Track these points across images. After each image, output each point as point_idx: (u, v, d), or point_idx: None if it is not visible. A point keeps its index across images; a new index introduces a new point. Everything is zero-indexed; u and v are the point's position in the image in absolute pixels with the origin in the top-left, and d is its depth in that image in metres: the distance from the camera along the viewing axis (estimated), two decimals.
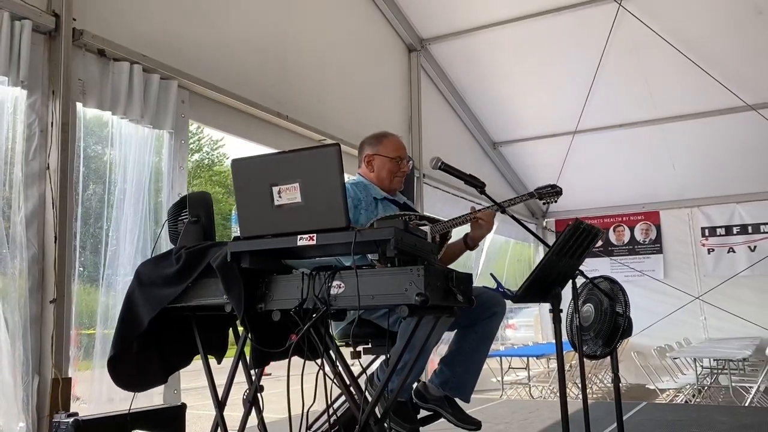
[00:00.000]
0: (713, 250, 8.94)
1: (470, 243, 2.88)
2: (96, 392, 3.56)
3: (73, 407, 3.30)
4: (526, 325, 12.41)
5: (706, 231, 8.99)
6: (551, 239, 9.57)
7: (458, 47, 6.82)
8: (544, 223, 9.73)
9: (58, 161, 3.34)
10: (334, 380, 2.11)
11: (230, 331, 2.56)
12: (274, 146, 4.88)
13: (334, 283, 1.99)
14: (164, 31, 4.01)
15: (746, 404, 6.35)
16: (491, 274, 2.44)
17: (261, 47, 4.74)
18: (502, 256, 9.70)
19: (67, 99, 3.39)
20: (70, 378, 3.32)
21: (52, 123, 3.37)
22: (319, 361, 2.11)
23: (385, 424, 2.21)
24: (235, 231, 2.17)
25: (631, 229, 9.43)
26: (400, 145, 3.01)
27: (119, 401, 3.25)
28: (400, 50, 6.64)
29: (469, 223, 2.84)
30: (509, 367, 7.86)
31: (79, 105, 3.53)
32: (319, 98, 5.30)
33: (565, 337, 3.00)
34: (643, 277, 9.17)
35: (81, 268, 3.52)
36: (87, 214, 3.62)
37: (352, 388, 2.14)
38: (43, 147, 3.35)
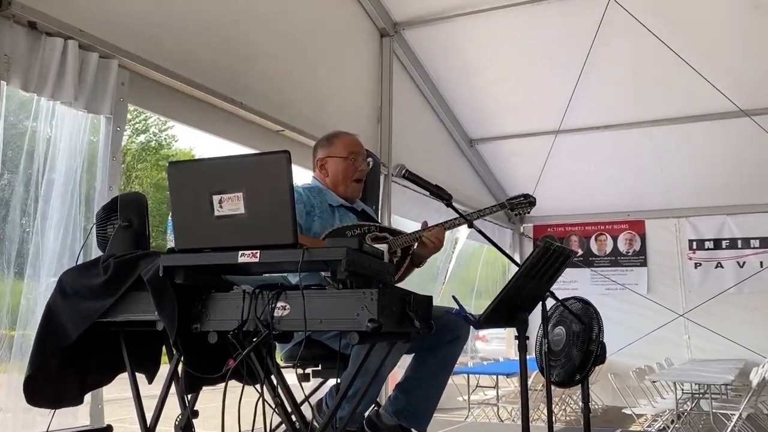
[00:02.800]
0: (700, 264, 9.13)
1: (415, 261, 2.92)
2: (13, 400, 3.49)
3: None
4: (498, 338, 12.56)
5: (694, 244, 9.18)
6: (528, 247, 9.68)
7: (435, 34, 6.82)
8: (522, 229, 9.82)
9: None
10: (276, 409, 2.11)
11: (164, 347, 2.54)
12: (226, 136, 4.84)
13: (279, 304, 1.99)
14: (104, 5, 3.93)
15: None
16: (453, 297, 2.46)
17: (213, 25, 4.67)
18: (474, 262, 9.78)
19: None
20: None
21: None
22: (259, 387, 2.10)
23: None
24: (170, 241, 2.15)
25: (614, 239, 9.58)
26: (353, 142, 3.01)
27: (38, 412, 3.20)
28: (370, 34, 6.61)
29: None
30: (477, 386, 7.93)
31: (3, 84, 3.43)
32: (278, 84, 5.25)
33: (533, 354, 3.05)
34: (625, 291, 9.32)
35: None
36: (5, 205, 3.53)
37: (294, 418, 2.14)
38: None
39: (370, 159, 3.11)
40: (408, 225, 6.73)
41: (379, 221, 3.94)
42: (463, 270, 9.44)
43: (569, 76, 6.93)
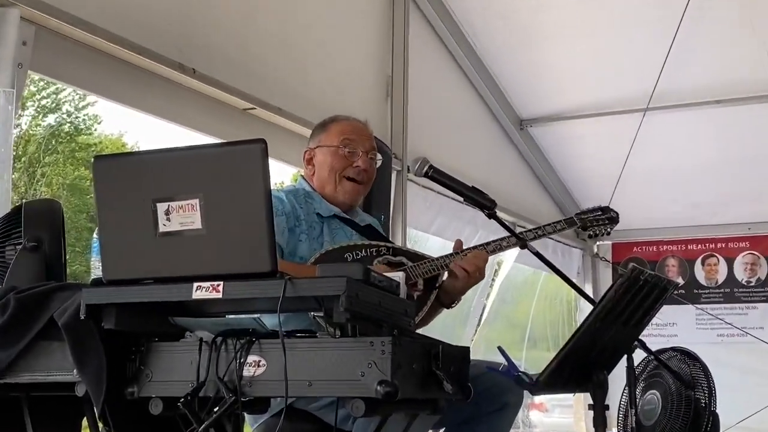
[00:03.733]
0: None
1: (444, 299, 2.92)
2: None
3: None
4: (562, 406, 12.50)
5: None
6: (606, 276, 9.66)
7: None
8: (596, 249, 9.79)
9: None
10: None
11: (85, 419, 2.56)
12: (173, 117, 4.87)
13: (251, 358, 2.00)
14: None
15: None
16: (499, 348, 2.47)
17: None
18: (525, 295, 9.73)
19: None
20: None
21: None
22: None
23: None
24: (97, 268, 2.16)
25: (729, 263, 9.54)
26: (351, 127, 3.06)
27: None
28: None
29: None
30: None
31: None
32: (247, 44, 5.29)
33: (614, 429, 3.06)
34: (746, 338, 9.26)
35: None
36: None
37: None
38: None
39: (378, 154, 3.10)
40: (431, 244, 6.73)
41: (391, 239, 3.95)
42: (510, 307, 9.39)
43: (663, 31, 6.93)
